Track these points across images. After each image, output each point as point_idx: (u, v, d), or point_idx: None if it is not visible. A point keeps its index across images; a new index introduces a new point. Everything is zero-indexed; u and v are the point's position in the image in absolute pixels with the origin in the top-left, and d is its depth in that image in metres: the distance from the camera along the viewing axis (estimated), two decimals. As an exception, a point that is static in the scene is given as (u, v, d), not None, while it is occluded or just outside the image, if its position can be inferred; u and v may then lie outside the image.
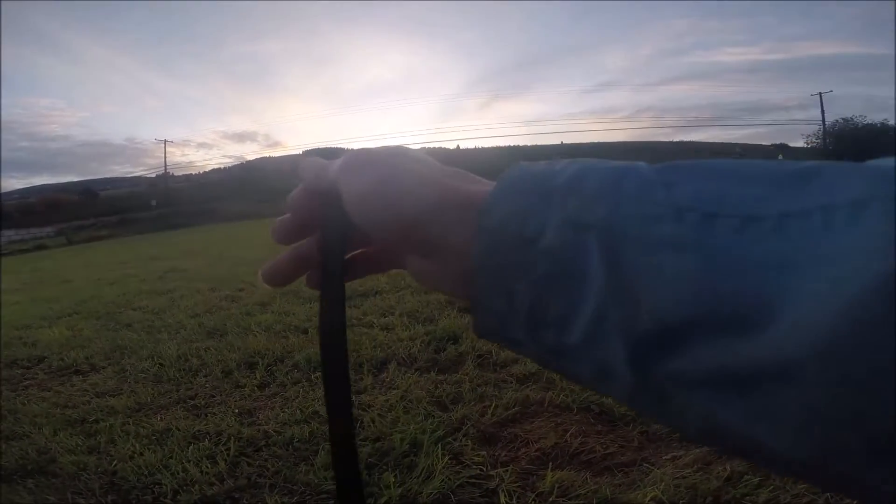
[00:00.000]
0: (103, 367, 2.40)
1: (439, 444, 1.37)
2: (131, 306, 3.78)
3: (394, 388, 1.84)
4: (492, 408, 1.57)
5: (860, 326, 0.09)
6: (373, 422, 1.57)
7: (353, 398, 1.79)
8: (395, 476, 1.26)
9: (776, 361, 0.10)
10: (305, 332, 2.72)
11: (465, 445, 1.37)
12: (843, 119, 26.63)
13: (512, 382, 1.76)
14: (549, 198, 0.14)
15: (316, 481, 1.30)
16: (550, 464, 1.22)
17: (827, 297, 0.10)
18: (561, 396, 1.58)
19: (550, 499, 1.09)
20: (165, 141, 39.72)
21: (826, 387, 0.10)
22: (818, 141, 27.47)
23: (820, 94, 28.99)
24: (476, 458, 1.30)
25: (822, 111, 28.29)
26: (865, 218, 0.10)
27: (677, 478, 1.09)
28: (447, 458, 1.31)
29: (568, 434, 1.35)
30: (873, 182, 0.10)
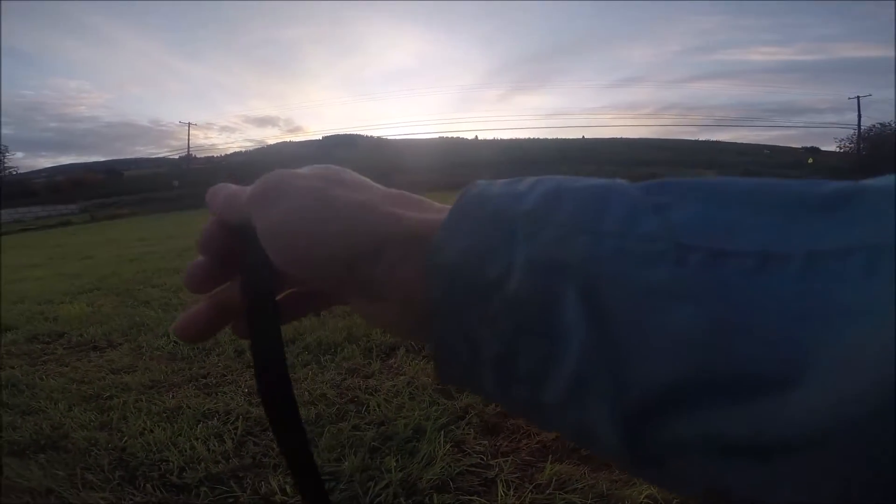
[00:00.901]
0: (120, 344, 2.47)
1: (442, 432, 1.36)
2: (150, 283, 3.87)
3: (401, 374, 1.83)
4: (497, 397, 1.55)
5: None
6: (378, 406, 1.56)
7: (362, 382, 1.79)
8: (397, 461, 1.25)
9: (803, 429, 0.08)
10: (318, 315, 2.74)
11: (468, 434, 1.36)
12: (880, 124, 25.71)
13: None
14: (513, 229, 0.12)
15: (319, 463, 1.30)
16: (550, 456, 1.20)
17: (869, 358, 0.08)
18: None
19: (548, 491, 1.07)
20: (189, 124, 40.34)
21: (862, 457, 0.08)
22: (852, 145, 26.46)
23: (858, 97, 27.72)
24: (477, 448, 1.29)
25: (859, 115, 27.12)
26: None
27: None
28: (449, 445, 1.30)
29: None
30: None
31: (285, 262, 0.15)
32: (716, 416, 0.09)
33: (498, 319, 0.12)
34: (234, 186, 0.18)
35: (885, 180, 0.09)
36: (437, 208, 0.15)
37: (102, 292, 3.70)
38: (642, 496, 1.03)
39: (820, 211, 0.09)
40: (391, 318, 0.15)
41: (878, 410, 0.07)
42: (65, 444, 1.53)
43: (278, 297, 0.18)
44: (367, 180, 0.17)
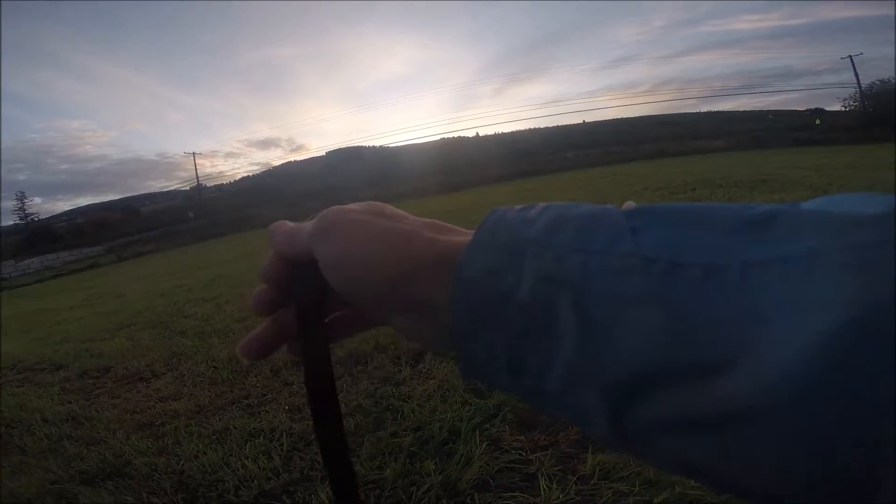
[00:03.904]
0: (163, 374, 2.59)
1: (477, 431, 1.40)
2: (182, 314, 4.03)
3: (431, 378, 1.88)
4: (528, 393, 1.58)
5: (819, 374, 0.10)
6: (413, 412, 1.62)
7: (394, 390, 1.85)
8: (436, 463, 1.30)
9: (741, 406, 0.11)
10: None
11: (503, 431, 1.39)
12: (880, 81, 25.17)
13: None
14: (523, 251, 0.15)
15: (363, 472, 1.36)
16: (591, 446, 1.22)
17: (787, 346, 0.10)
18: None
19: (592, 482, 1.09)
20: (194, 153, 41.00)
21: (790, 430, 0.10)
22: (856, 104, 25.91)
23: (850, 56, 27.69)
24: (514, 444, 1.32)
25: (856, 73, 27.12)
26: (819, 269, 0.10)
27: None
28: (485, 444, 1.34)
29: (607, 416, 1.35)
30: (826, 233, 0.11)
31: (341, 284, 0.18)
32: (676, 397, 0.12)
33: (509, 324, 0.14)
34: (290, 224, 0.21)
35: (806, 204, 0.12)
36: (464, 232, 0.18)
37: (139, 327, 3.86)
38: (692, 481, 1.03)
39: (751, 230, 0.12)
40: (422, 330, 0.18)
41: (797, 394, 0.10)
42: (129, 471, 1.63)
43: (327, 320, 0.21)
44: (402, 211, 0.20)
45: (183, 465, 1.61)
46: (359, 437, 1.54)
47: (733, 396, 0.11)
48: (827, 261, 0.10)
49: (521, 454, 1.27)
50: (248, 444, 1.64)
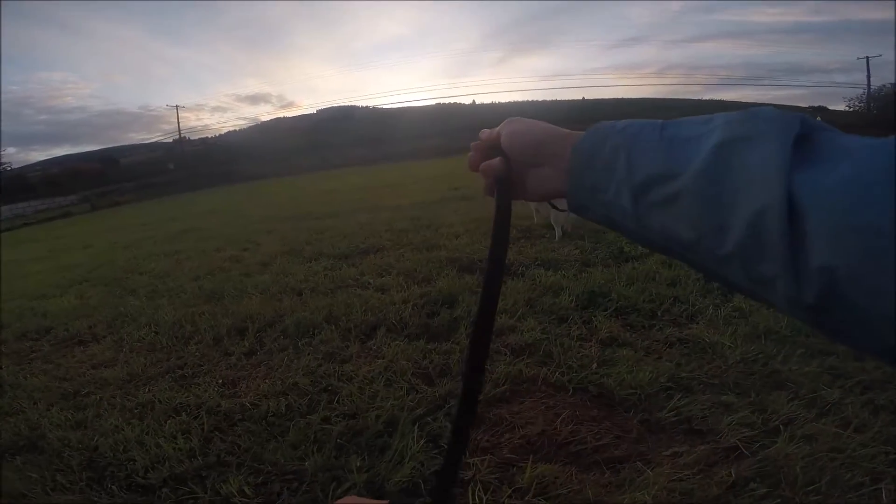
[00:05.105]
0: (103, 337, 2.41)
1: (416, 425, 1.26)
2: (139, 270, 3.81)
3: (380, 358, 1.72)
4: (478, 381, 1.43)
5: (706, 170, 0.24)
6: (351, 396, 1.46)
7: (338, 368, 1.69)
8: (364, 459, 1.15)
9: (679, 187, 0.25)
10: (300, 293, 2.63)
11: (445, 427, 1.25)
12: (891, 84, 24.43)
13: (506, 354, 1.60)
14: (608, 137, 0.31)
15: (283, 461, 1.22)
16: (533, 455, 1.08)
17: (698, 160, 0.24)
18: (556, 374, 1.42)
19: (527, 497, 0.95)
20: (177, 106, 39.10)
21: (699, 201, 0.24)
22: (861, 105, 25.23)
23: (867, 57, 26.96)
24: (453, 442, 1.18)
25: (868, 74, 26.59)
26: (715, 130, 0.25)
27: (673, 480, 0.93)
28: (423, 440, 1.19)
29: (558, 420, 1.20)
30: (726, 119, 0.25)
31: (513, 144, 0.37)
32: (659, 189, 0.26)
33: (595, 168, 0.31)
34: (488, 129, 0.41)
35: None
36: (577, 132, 0.35)
37: (92, 283, 3.64)
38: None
39: (705, 122, 0.26)
40: (549, 177, 0.36)
41: (698, 176, 0.24)
42: (41, 446, 1.47)
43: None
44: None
45: (97, 440, 1.46)
46: (286, 421, 1.39)
47: (678, 184, 0.25)
48: (723, 127, 0.25)
49: (457, 455, 1.13)
50: (168, 422, 1.49)
